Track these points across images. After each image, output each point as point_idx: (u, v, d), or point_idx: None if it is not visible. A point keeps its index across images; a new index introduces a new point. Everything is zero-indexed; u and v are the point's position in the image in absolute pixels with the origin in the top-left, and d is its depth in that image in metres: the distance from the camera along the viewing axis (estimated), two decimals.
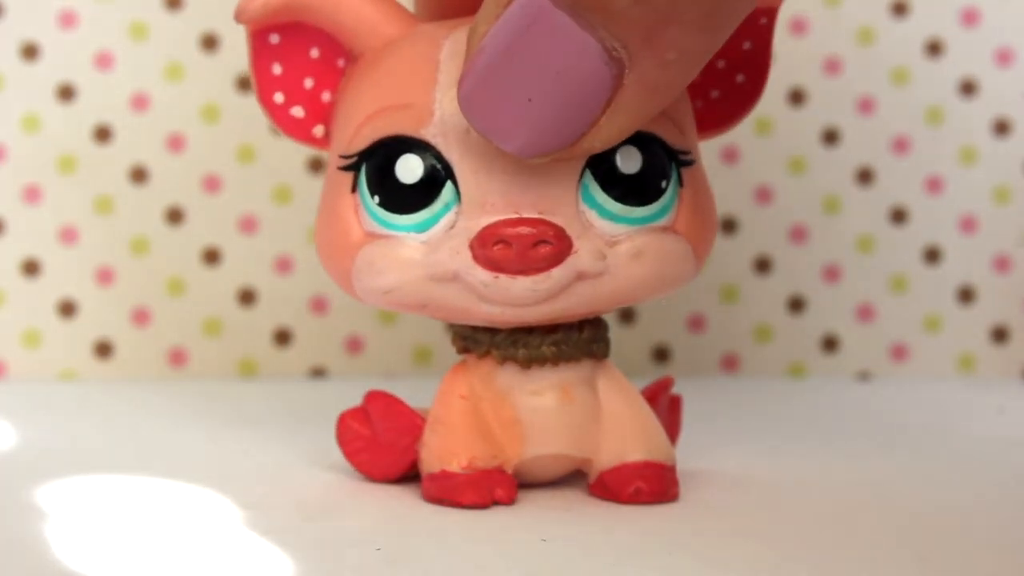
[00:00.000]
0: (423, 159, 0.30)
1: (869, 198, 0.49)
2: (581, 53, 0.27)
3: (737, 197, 0.49)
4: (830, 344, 0.50)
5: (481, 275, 0.29)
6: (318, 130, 0.32)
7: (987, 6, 0.49)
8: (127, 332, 0.47)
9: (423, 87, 0.30)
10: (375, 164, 0.30)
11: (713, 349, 0.49)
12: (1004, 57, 0.49)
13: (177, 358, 0.47)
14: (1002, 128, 0.49)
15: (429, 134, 0.30)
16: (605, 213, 0.30)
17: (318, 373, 0.48)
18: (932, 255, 0.50)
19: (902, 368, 0.50)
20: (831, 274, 0.49)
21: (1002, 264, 0.50)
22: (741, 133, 0.48)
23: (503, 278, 0.29)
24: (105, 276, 0.47)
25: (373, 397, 0.32)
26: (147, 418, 0.41)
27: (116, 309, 0.47)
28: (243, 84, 0.47)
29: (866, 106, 0.49)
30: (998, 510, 0.31)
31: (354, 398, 0.34)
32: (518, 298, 0.29)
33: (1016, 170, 0.50)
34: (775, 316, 0.49)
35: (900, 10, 0.49)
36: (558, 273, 0.29)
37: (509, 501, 0.31)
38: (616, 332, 0.48)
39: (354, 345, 0.48)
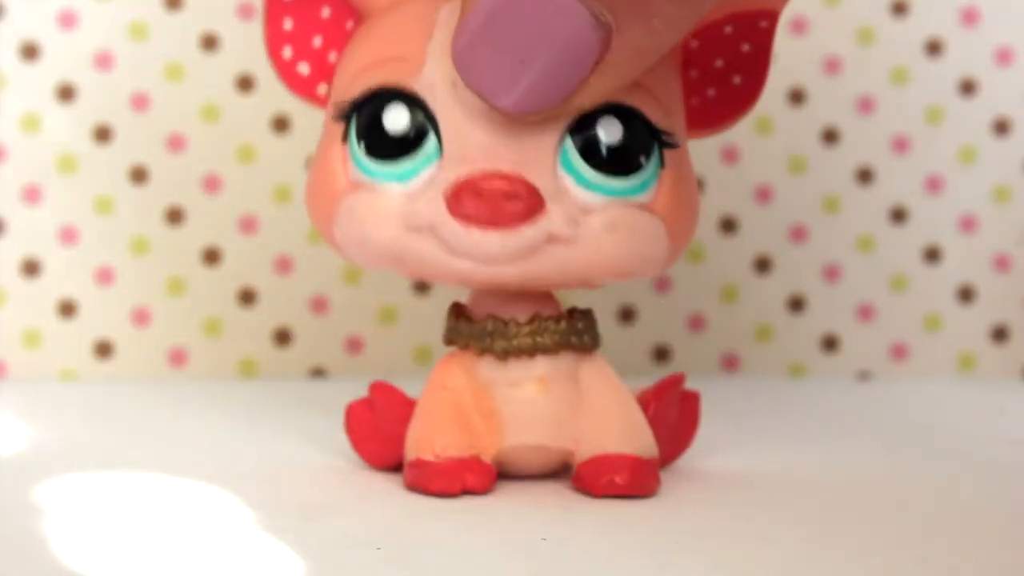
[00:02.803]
0: (410, 110, 0.31)
1: (869, 198, 0.49)
2: (570, 18, 0.28)
3: (737, 197, 0.49)
4: (830, 344, 0.50)
5: (453, 226, 0.30)
6: (322, 88, 0.33)
7: (987, 6, 0.49)
8: (127, 332, 0.47)
9: (417, 41, 0.31)
10: (365, 113, 0.31)
11: (713, 349, 0.49)
12: (1004, 57, 0.49)
13: (177, 358, 0.47)
14: (1002, 128, 0.49)
15: (418, 86, 0.31)
16: (581, 180, 0.30)
17: (318, 373, 0.48)
18: (932, 255, 0.50)
19: (902, 368, 0.50)
20: (831, 274, 0.49)
21: (1002, 264, 0.50)
22: (741, 133, 0.48)
23: (474, 231, 0.30)
24: (105, 276, 0.47)
25: (376, 388, 0.33)
26: (147, 418, 0.41)
27: (116, 309, 0.47)
28: (243, 84, 0.47)
29: (866, 106, 0.49)
30: (998, 510, 0.32)
31: (354, 398, 0.34)
32: (488, 253, 0.30)
33: (1016, 170, 0.50)
34: (775, 316, 0.49)
35: (900, 10, 0.49)
36: (528, 231, 0.30)
37: (482, 489, 0.31)
38: (616, 332, 0.48)
39: (354, 345, 0.48)
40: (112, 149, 0.47)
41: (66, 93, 0.47)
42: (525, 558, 0.27)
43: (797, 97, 0.49)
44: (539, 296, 0.32)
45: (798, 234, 0.49)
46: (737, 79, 0.33)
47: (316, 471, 0.33)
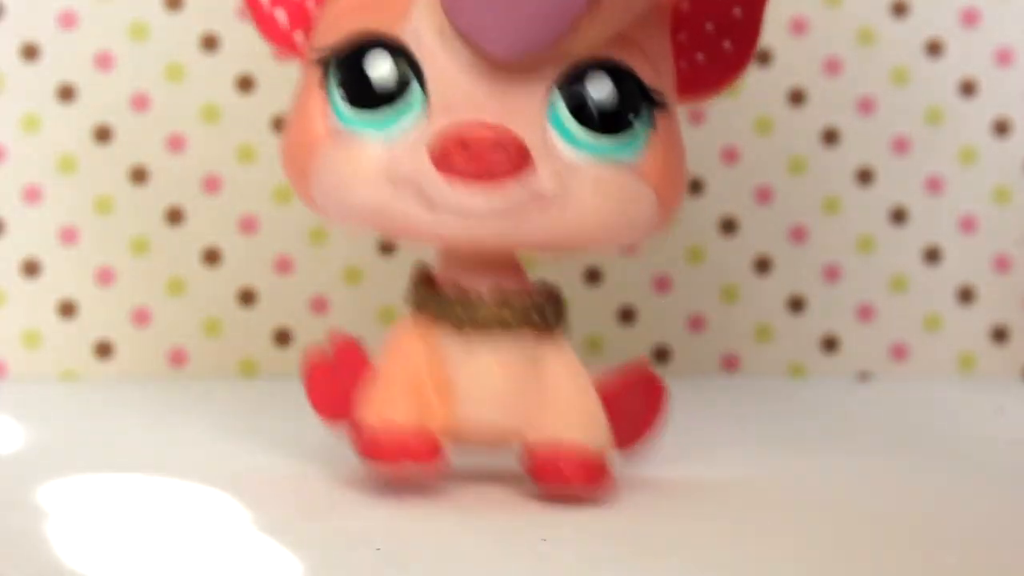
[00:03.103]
0: (394, 57, 0.30)
1: (869, 198, 0.49)
2: None
3: (737, 197, 0.49)
4: (830, 344, 0.50)
5: (436, 180, 0.29)
6: (298, 36, 0.32)
7: (987, 6, 0.49)
8: (127, 332, 0.47)
9: None
10: (346, 58, 0.30)
11: (713, 349, 0.49)
12: (1004, 57, 0.49)
13: (177, 358, 0.47)
14: (1002, 128, 0.49)
15: (403, 32, 0.30)
16: (569, 136, 0.30)
17: None
18: (932, 255, 0.50)
19: (902, 368, 0.50)
20: (831, 274, 0.49)
21: (1002, 264, 0.50)
22: (741, 133, 0.48)
23: (459, 185, 0.29)
24: (105, 276, 0.47)
25: (338, 343, 0.32)
26: (147, 418, 0.41)
27: (116, 309, 0.47)
28: (243, 84, 0.47)
29: (866, 106, 0.49)
30: (998, 510, 0.31)
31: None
32: (470, 207, 0.29)
33: (1016, 170, 0.50)
34: (775, 316, 0.49)
35: (900, 10, 0.49)
36: (514, 187, 0.29)
37: (429, 460, 0.31)
38: (616, 332, 0.48)
39: None
40: (112, 149, 0.47)
41: (66, 93, 0.47)
42: (525, 558, 0.27)
43: (797, 97, 0.49)
44: (507, 269, 0.32)
45: (798, 234, 0.49)
46: (727, 44, 0.33)
47: (316, 471, 0.33)
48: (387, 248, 0.46)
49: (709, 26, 0.33)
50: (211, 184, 0.47)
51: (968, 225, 0.50)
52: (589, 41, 0.29)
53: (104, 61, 0.47)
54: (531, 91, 0.30)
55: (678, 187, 0.31)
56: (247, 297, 0.47)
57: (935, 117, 0.49)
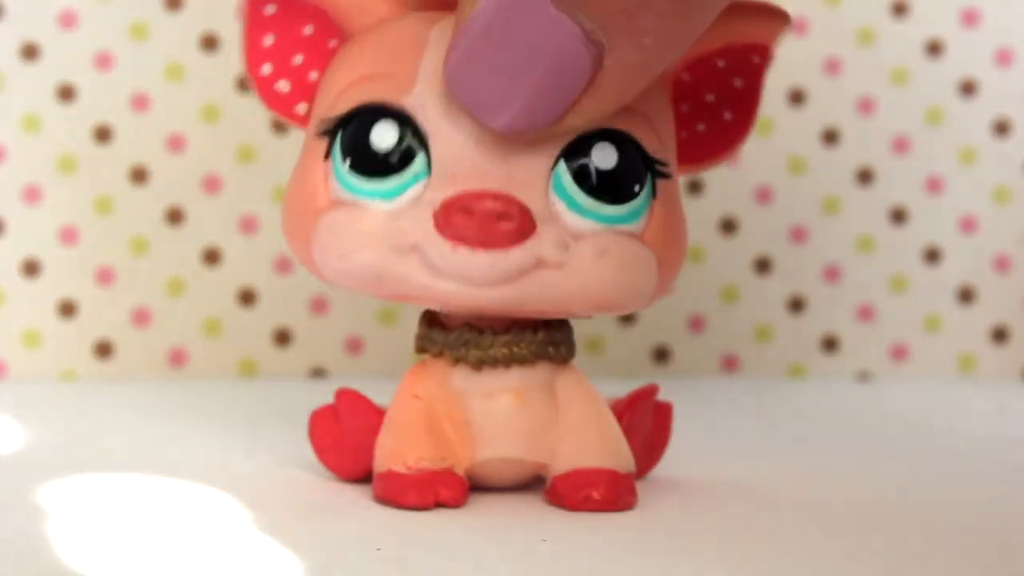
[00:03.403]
0: (399, 126, 0.30)
1: (869, 198, 0.49)
2: (560, 34, 0.28)
3: (737, 197, 0.49)
4: (830, 344, 0.50)
5: (441, 245, 0.29)
6: (301, 107, 0.32)
7: (987, 6, 0.49)
8: (127, 332, 0.47)
9: (409, 58, 0.30)
10: (352, 128, 0.30)
11: (713, 349, 0.49)
12: (1004, 57, 0.49)
13: (177, 358, 0.47)
14: (1002, 128, 0.49)
15: (408, 103, 0.30)
16: (574, 205, 0.30)
17: (318, 373, 0.48)
18: (932, 255, 0.50)
19: (902, 368, 0.50)
20: (831, 274, 0.49)
21: (1002, 264, 0.50)
22: None
23: (462, 250, 0.29)
24: (105, 276, 0.47)
25: (342, 395, 0.32)
26: (147, 418, 0.41)
27: (116, 309, 0.47)
28: (243, 84, 0.47)
29: (866, 106, 0.49)
30: (998, 510, 0.32)
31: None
32: (475, 274, 0.29)
33: (1016, 170, 0.50)
34: (775, 316, 0.49)
35: (900, 10, 0.49)
36: (518, 253, 0.29)
37: (455, 503, 0.30)
38: (616, 332, 0.49)
39: (354, 345, 0.48)
40: (112, 149, 0.47)
41: (66, 93, 0.47)
42: (525, 558, 0.27)
43: (797, 97, 0.49)
44: None
45: (798, 234, 0.49)
46: (728, 115, 0.33)
47: (316, 471, 0.33)
48: None
49: (710, 96, 0.32)
50: (211, 184, 0.47)
51: (968, 225, 0.50)
52: (590, 117, 0.29)
53: (104, 61, 0.47)
54: (536, 160, 0.29)
55: (679, 253, 0.31)
56: (247, 297, 0.47)
57: (935, 117, 0.49)
